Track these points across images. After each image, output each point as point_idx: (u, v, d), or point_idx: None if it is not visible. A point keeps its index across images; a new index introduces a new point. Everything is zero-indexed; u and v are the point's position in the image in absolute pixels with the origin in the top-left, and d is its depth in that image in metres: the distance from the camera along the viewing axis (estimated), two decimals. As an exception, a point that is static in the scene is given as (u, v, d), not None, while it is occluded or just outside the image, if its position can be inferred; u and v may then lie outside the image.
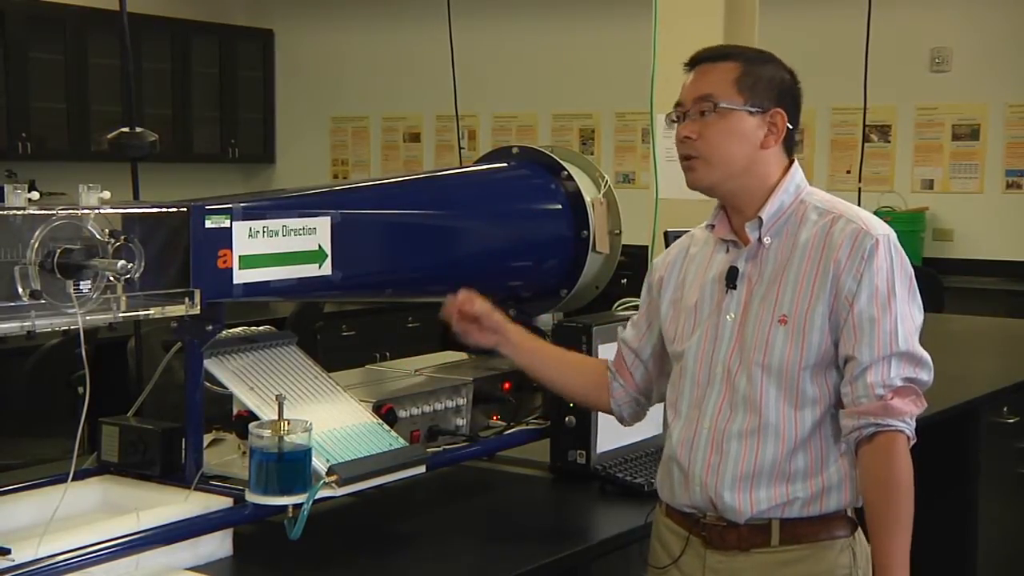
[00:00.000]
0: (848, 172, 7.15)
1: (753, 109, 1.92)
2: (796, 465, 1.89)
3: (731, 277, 1.95)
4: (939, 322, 5.43)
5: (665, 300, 2.06)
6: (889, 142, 7.26)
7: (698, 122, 1.93)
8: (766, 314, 1.90)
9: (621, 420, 2.21)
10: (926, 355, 1.89)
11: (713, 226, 2.01)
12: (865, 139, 6.59)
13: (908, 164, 7.22)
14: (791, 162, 1.98)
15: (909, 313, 1.89)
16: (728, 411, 1.92)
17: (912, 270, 1.92)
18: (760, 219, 1.93)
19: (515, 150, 2.80)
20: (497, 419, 2.63)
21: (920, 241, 7.02)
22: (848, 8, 6.47)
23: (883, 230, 1.90)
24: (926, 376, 1.89)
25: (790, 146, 1.98)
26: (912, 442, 1.87)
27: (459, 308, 2.17)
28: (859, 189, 6.35)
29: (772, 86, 1.94)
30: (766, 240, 1.94)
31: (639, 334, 2.15)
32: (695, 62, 1.98)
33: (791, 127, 1.95)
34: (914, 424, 1.87)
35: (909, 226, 7.01)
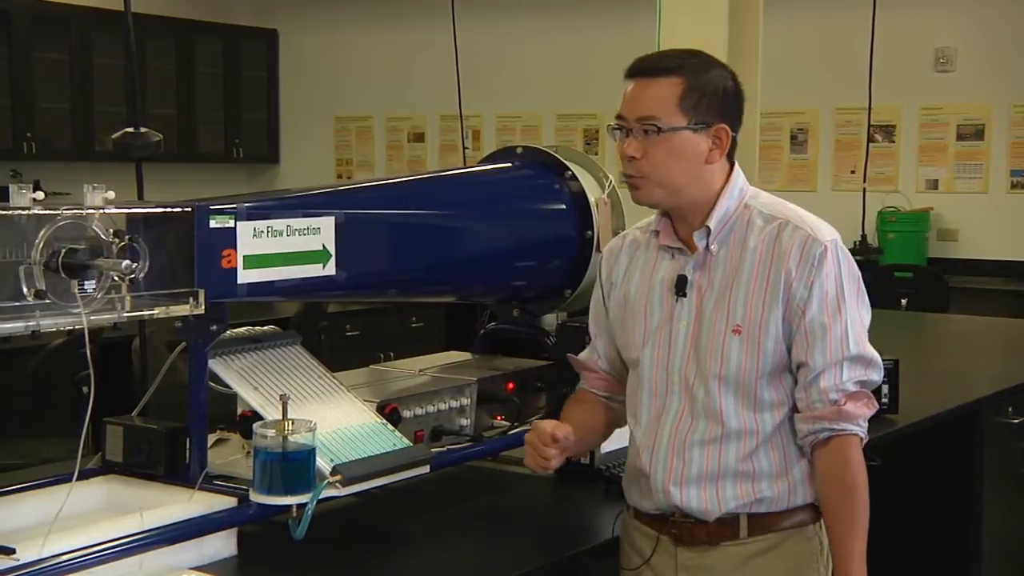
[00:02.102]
0: (852, 172, 7.14)
1: (697, 127, 1.90)
2: (760, 465, 1.92)
3: (680, 285, 1.95)
4: (943, 322, 5.42)
5: (612, 305, 2.07)
6: (893, 142, 7.25)
7: (642, 141, 1.91)
8: (719, 324, 1.91)
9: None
10: (876, 355, 1.93)
11: (657, 232, 2.00)
12: (870, 139, 6.60)
13: (912, 164, 7.21)
14: (732, 165, 1.98)
15: (858, 316, 1.92)
16: (689, 419, 1.94)
17: (859, 272, 1.95)
18: (708, 228, 1.93)
19: (519, 150, 2.80)
20: (501, 419, 2.62)
21: (925, 241, 7.01)
22: (852, 8, 6.48)
23: (830, 235, 1.92)
24: (876, 376, 1.93)
25: (733, 152, 1.97)
26: (864, 442, 1.92)
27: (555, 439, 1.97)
28: (864, 189, 6.37)
29: (715, 99, 1.91)
30: (713, 248, 1.94)
31: (600, 348, 2.12)
32: (634, 74, 1.94)
33: (735, 135, 1.94)
34: (867, 425, 1.92)
35: (914, 226, 7.01)
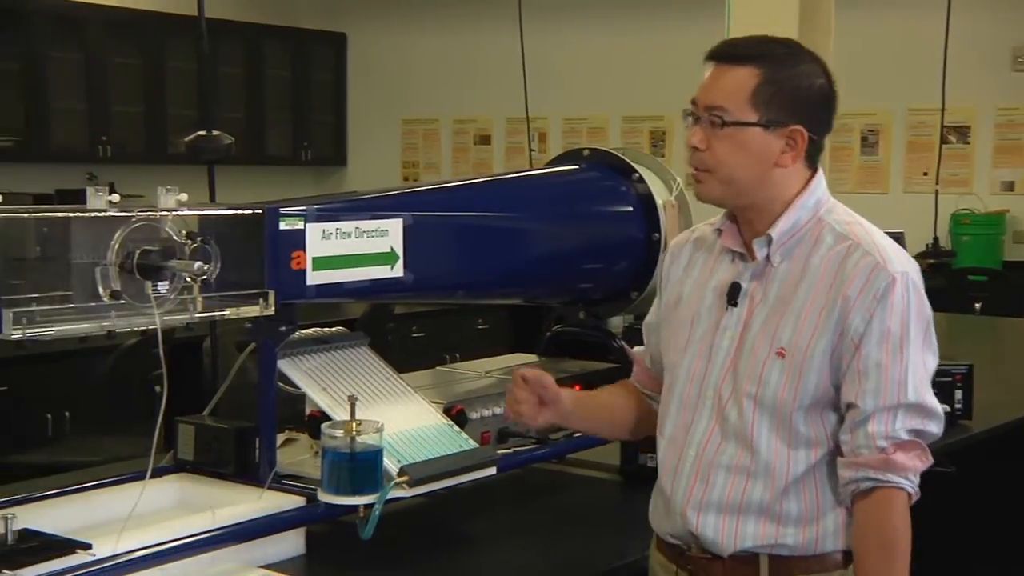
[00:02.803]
0: (925, 174, 7.02)
1: (769, 125, 1.73)
2: (788, 508, 1.74)
3: (733, 294, 1.79)
4: (1019, 327, 5.29)
5: (664, 301, 1.93)
6: (968, 143, 7.11)
7: (708, 132, 1.76)
8: (763, 343, 1.74)
9: None
10: (938, 407, 1.73)
11: (720, 231, 1.85)
12: (943, 140, 6.47)
13: (987, 165, 7.07)
14: (814, 172, 1.80)
15: (922, 360, 1.72)
16: (718, 440, 1.78)
17: (930, 312, 1.75)
18: (769, 237, 1.77)
19: (586, 152, 2.79)
20: (567, 422, 2.62)
21: (999, 244, 6.87)
22: (926, 8, 6.36)
23: (902, 267, 1.72)
24: (936, 429, 1.72)
25: (814, 157, 1.80)
26: (914, 499, 1.71)
27: (527, 388, 1.93)
28: (936, 191, 6.25)
29: (795, 97, 1.74)
30: (774, 259, 1.77)
31: (651, 340, 2.00)
32: (713, 57, 1.78)
33: (815, 139, 1.76)
34: (918, 480, 1.71)
35: (988, 229, 6.87)
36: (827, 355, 1.71)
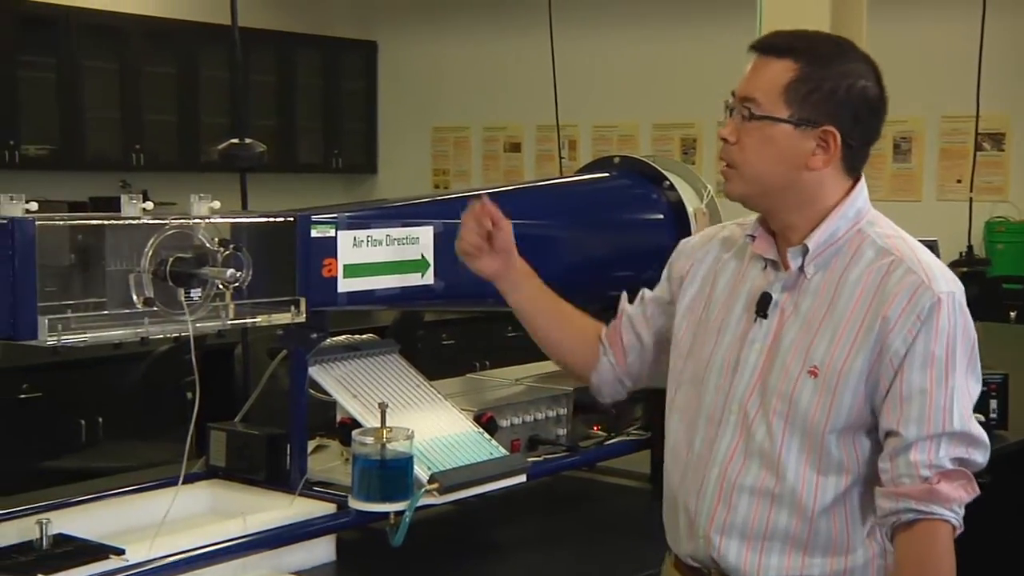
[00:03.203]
0: (959, 182, 6.96)
1: (799, 123, 1.65)
2: (816, 538, 1.66)
3: (763, 305, 1.71)
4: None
5: (684, 303, 1.84)
6: (1003, 150, 7.05)
7: (739, 125, 1.69)
8: (795, 360, 1.66)
9: (598, 396, 2.06)
10: (984, 436, 1.64)
11: (753, 237, 1.76)
12: (977, 147, 6.42)
13: (1022, 173, 7.00)
14: (856, 181, 1.72)
15: (967, 386, 1.63)
16: (741, 460, 1.69)
17: (975, 335, 1.66)
18: (805, 247, 1.69)
19: (616, 160, 2.79)
20: (598, 429, 2.61)
21: (1035, 252, 6.81)
22: (960, 14, 6.31)
23: (948, 287, 1.64)
24: (981, 458, 1.63)
25: (854, 164, 1.71)
26: (958, 532, 1.62)
27: (478, 215, 1.94)
28: (970, 199, 6.20)
29: (833, 96, 1.65)
30: (809, 271, 1.69)
31: (646, 315, 1.96)
32: (755, 48, 1.72)
33: (852, 144, 1.68)
34: (962, 513, 1.61)
35: (1023, 237, 6.81)
36: (863, 375, 1.63)
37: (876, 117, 1.71)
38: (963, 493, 1.61)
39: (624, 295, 2.05)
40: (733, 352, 1.73)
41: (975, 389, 1.66)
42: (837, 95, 1.66)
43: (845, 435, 1.65)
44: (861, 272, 1.66)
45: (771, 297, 1.71)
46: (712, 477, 1.72)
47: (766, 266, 1.75)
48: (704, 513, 1.72)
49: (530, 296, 2.03)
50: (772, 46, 1.70)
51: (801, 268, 1.69)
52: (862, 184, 1.73)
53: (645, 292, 2.00)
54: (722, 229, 1.88)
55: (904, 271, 1.64)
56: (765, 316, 1.70)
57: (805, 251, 1.69)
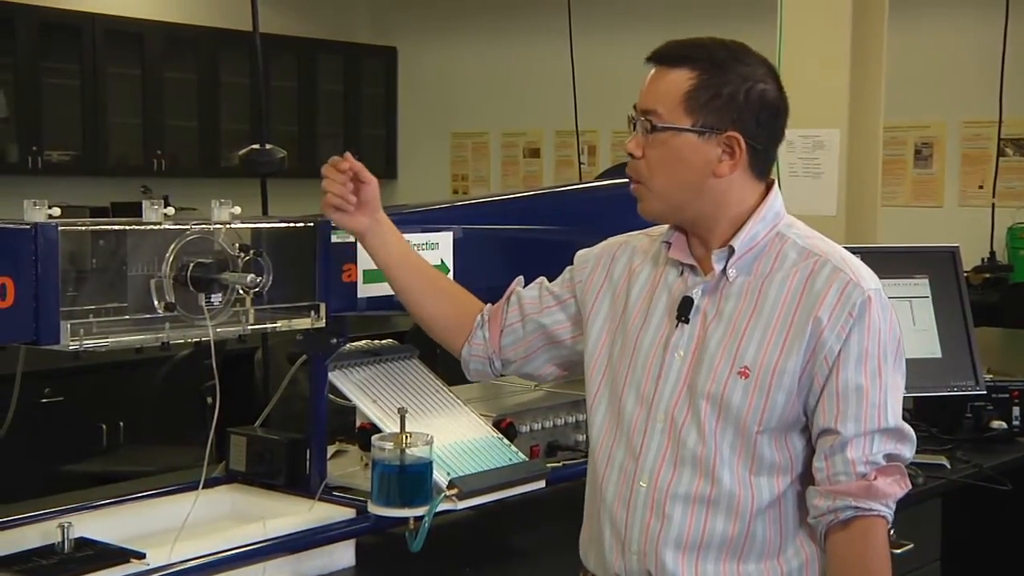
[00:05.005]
0: (980, 187, 6.92)
1: (702, 130, 1.63)
2: (751, 542, 1.64)
3: (684, 309, 1.67)
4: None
5: (598, 313, 1.79)
6: (1025, 156, 7.01)
7: (643, 139, 1.67)
8: (723, 363, 1.63)
9: (465, 370, 2.02)
10: (911, 431, 1.65)
11: (669, 244, 1.73)
12: (999, 153, 6.39)
13: (1045, 178, 6.95)
14: (769, 185, 1.70)
15: (895, 382, 1.64)
16: (671, 470, 1.65)
17: (900, 331, 1.67)
18: (731, 248, 1.66)
19: (636, 165, 2.78)
20: (616, 435, 2.61)
21: (1058, 258, 6.76)
22: (982, 18, 6.30)
23: (875, 284, 1.64)
24: (908, 453, 1.64)
25: (763, 168, 1.69)
26: (890, 529, 1.62)
27: (340, 167, 1.90)
28: (992, 205, 6.17)
29: (733, 101, 1.63)
30: (731, 273, 1.67)
31: (540, 299, 1.92)
32: (652, 60, 1.70)
33: (758, 147, 1.66)
34: (894, 508, 1.62)
35: (1046, 242, 6.76)
36: (796, 375, 1.61)
37: (778, 118, 1.69)
38: (898, 488, 1.62)
39: (520, 278, 2.00)
40: (654, 359, 1.69)
41: (902, 384, 1.66)
42: (737, 100, 1.64)
43: (777, 435, 1.64)
44: (787, 273, 1.65)
45: (692, 301, 1.68)
46: (641, 488, 1.67)
47: (683, 271, 1.72)
48: (636, 526, 1.67)
49: (400, 252, 1.97)
50: (668, 56, 1.69)
51: (724, 271, 1.67)
52: (776, 190, 1.72)
53: (543, 280, 1.96)
54: (628, 239, 1.85)
55: (831, 269, 1.64)
56: (687, 321, 1.68)
57: (730, 253, 1.67)
